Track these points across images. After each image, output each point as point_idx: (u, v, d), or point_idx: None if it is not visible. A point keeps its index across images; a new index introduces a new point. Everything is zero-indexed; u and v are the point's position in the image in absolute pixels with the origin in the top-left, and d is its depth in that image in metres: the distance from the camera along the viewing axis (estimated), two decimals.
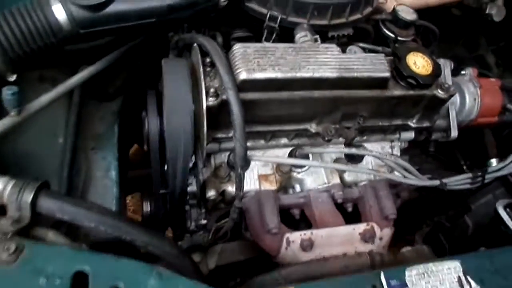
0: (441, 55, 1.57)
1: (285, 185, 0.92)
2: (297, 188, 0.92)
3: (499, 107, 0.95)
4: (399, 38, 0.96)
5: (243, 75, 0.70)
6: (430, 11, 1.12)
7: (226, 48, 0.93)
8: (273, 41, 0.87)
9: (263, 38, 0.87)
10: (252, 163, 0.88)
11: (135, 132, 1.19)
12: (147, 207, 1.08)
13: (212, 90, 0.71)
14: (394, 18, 0.96)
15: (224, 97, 0.72)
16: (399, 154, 0.97)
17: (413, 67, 0.81)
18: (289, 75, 0.72)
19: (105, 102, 1.09)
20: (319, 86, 0.75)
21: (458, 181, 0.92)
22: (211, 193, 0.85)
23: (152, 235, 0.67)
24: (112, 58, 0.93)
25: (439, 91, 0.84)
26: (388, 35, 0.97)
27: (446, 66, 0.93)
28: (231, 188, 0.86)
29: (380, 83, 0.79)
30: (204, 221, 0.93)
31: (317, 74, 0.73)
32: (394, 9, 0.97)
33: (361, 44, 0.97)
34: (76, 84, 0.85)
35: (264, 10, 0.84)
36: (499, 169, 0.94)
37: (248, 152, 0.76)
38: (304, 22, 0.85)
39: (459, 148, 1.29)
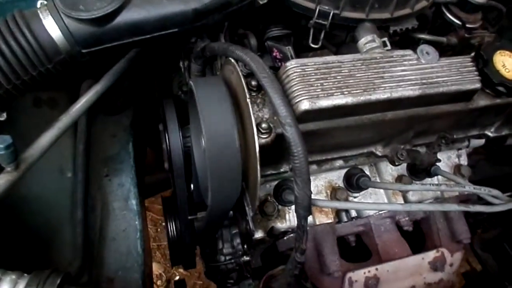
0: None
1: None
2: (353, 212, 0.79)
3: None
4: (467, 25, 0.79)
5: (304, 105, 0.54)
6: None
7: (260, 50, 0.77)
8: (308, 49, 0.70)
9: (310, 39, 0.70)
10: None
11: (148, 136, 1.04)
12: (172, 231, 0.95)
13: (264, 125, 0.55)
14: (461, 1, 0.79)
15: (278, 130, 0.56)
16: (466, 162, 0.83)
17: (503, 71, 0.65)
18: (362, 98, 0.56)
19: (114, 115, 0.93)
20: (395, 106, 0.60)
21: None
22: (259, 235, 0.71)
23: None
24: (119, 69, 0.76)
25: None
26: (454, 21, 0.80)
27: None
28: (280, 225, 0.73)
29: (468, 95, 0.63)
30: (247, 258, 0.80)
31: (395, 94, 0.57)
32: None
33: (423, 36, 0.80)
34: (81, 113, 0.68)
35: (311, 5, 0.66)
36: None
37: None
38: (362, 17, 0.67)
39: None
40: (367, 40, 0.62)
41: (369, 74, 0.57)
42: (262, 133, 0.55)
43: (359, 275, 0.73)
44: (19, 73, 0.57)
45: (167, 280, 1.58)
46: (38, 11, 0.58)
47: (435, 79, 0.59)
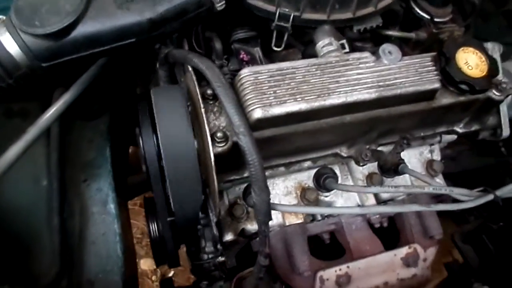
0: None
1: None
2: (341, 208, 0.80)
3: None
4: (435, 19, 0.78)
5: (257, 114, 0.54)
6: None
7: (227, 53, 0.77)
8: (285, 44, 0.70)
9: (273, 42, 0.70)
10: (273, 192, 0.75)
11: (130, 136, 1.05)
12: (154, 232, 0.97)
13: (219, 134, 0.56)
14: None
15: (235, 138, 0.57)
16: (439, 158, 0.83)
17: (465, 69, 0.64)
18: (316, 104, 0.56)
19: (91, 121, 0.94)
20: (353, 109, 0.60)
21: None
22: (229, 237, 0.72)
23: None
24: (88, 77, 0.76)
25: (495, 92, 0.68)
26: (423, 16, 0.79)
27: (495, 52, 0.75)
28: (250, 226, 0.74)
29: (428, 95, 0.63)
30: (222, 259, 0.81)
31: (351, 98, 0.57)
32: None
33: (389, 32, 0.79)
34: (49, 123, 0.69)
35: (271, 8, 0.66)
36: None
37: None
38: (324, 18, 0.67)
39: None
40: (324, 44, 0.62)
41: (324, 79, 0.57)
42: (218, 142, 0.56)
43: (330, 273, 0.74)
44: None
45: (162, 275, 1.61)
46: None
47: (392, 81, 0.59)
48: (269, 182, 0.74)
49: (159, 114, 0.56)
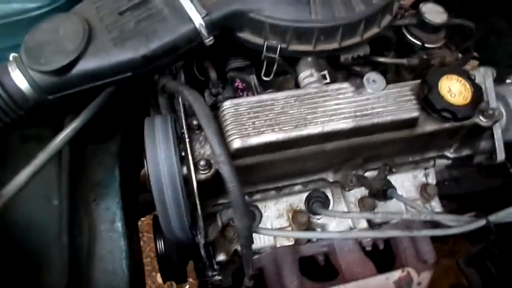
0: (476, 28, 1.37)
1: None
2: (330, 232, 0.81)
3: None
4: (426, 45, 0.80)
5: (236, 144, 0.58)
6: None
7: (223, 80, 0.82)
8: (275, 74, 0.74)
9: (263, 72, 0.74)
10: (265, 215, 0.78)
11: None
12: (161, 249, 1.02)
13: (202, 162, 0.60)
14: (420, 22, 0.79)
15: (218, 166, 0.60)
16: (434, 181, 0.84)
17: (448, 97, 0.66)
18: (293, 134, 0.59)
19: (103, 143, 1.00)
20: (332, 138, 0.62)
21: (509, 215, 0.77)
22: (221, 258, 0.76)
23: None
24: (100, 102, 0.82)
25: (481, 118, 0.69)
26: (414, 42, 0.81)
27: (488, 76, 0.76)
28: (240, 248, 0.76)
29: (408, 123, 0.64)
30: (219, 277, 0.85)
31: (328, 128, 0.60)
32: (418, 11, 0.79)
33: (381, 59, 0.81)
34: (58, 148, 0.76)
35: (259, 40, 0.70)
36: None
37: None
38: (310, 49, 0.70)
39: None
40: (305, 75, 0.65)
41: (302, 109, 0.60)
42: (201, 170, 0.60)
43: None
44: None
45: None
46: (8, 65, 0.66)
47: (370, 111, 0.61)
48: (261, 205, 0.77)
49: (148, 143, 0.61)
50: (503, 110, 0.78)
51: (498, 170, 1.17)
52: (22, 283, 0.78)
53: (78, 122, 0.80)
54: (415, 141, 0.69)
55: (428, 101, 0.66)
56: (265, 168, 0.65)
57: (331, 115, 0.60)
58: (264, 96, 0.61)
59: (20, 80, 0.65)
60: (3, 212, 0.76)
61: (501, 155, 0.78)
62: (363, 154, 0.68)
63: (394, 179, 0.81)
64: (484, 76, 0.76)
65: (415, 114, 0.62)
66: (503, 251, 0.88)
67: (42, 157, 0.74)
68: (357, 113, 0.61)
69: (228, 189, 0.57)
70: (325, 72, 0.66)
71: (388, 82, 0.85)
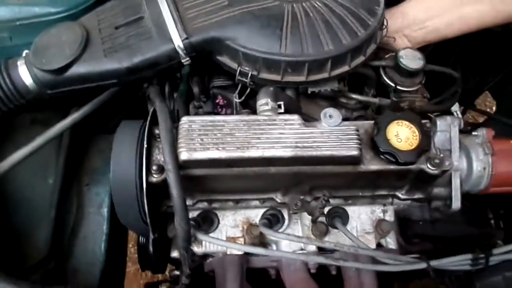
0: (492, 75, 1.36)
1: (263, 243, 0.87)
2: (274, 248, 0.87)
3: None
4: (398, 87, 0.83)
5: (183, 156, 0.66)
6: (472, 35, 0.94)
7: (207, 96, 0.90)
8: (246, 97, 0.81)
9: (235, 93, 0.81)
10: (222, 223, 0.85)
11: None
12: (141, 239, 1.11)
13: (154, 167, 0.68)
14: (396, 66, 0.83)
15: None
16: (392, 219, 0.86)
17: (393, 141, 0.69)
18: (235, 154, 0.66)
19: (109, 134, 1.12)
20: (274, 163, 0.68)
21: (453, 263, 0.79)
22: (175, 254, 0.83)
23: None
24: (102, 99, 0.93)
25: (429, 166, 0.72)
26: (388, 83, 0.85)
27: (454, 126, 0.78)
28: (196, 249, 0.84)
29: (349, 160, 0.69)
30: (177, 272, 0.93)
31: (267, 154, 0.66)
32: (396, 55, 0.83)
33: (354, 96, 0.86)
34: (55, 135, 0.87)
35: (234, 65, 0.77)
36: (510, 251, 0.79)
37: (196, 232, 0.73)
38: (278, 79, 0.76)
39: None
40: (261, 103, 0.72)
41: (248, 134, 0.67)
42: (153, 173, 0.68)
43: None
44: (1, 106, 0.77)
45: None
46: (17, 61, 0.78)
47: (310, 144, 0.66)
48: (220, 214, 0.84)
49: (114, 145, 0.70)
50: (465, 161, 0.80)
51: (483, 217, 1.17)
52: (8, 248, 0.90)
53: (78, 114, 0.92)
54: (361, 178, 0.73)
55: (374, 142, 0.70)
56: (214, 181, 0.72)
57: (274, 142, 0.66)
58: (217, 117, 0.68)
59: (25, 75, 0.77)
60: (1, 183, 0.89)
61: (456, 204, 0.80)
62: (308, 182, 0.73)
63: (352, 210, 0.86)
64: (450, 125, 0.79)
65: (354, 152, 0.67)
66: None
67: (39, 140, 0.86)
68: (298, 144, 0.66)
69: (171, 194, 0.65)
70: (281, 102, 0.72)
71: (366, 118, 0.90)
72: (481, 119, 1.56)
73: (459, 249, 1.00)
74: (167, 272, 1.19)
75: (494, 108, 1.76)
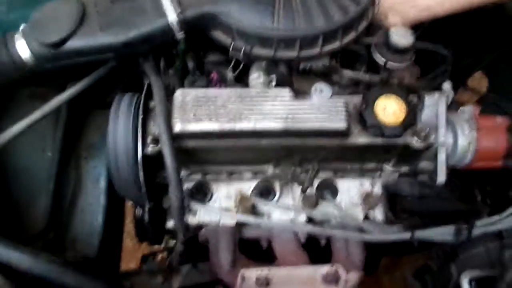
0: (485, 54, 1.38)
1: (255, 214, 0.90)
2: (266, 219, 0.90)
3: (502, 151, 0.82)
4: (388, 64, 0.85)
5: (177, 127, 0.68)
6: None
7: (201, 71, 0.92)
8: (240, 73, 0.83)
9: (229, 67, 0.83)
10: (215, 194, 0.88)
11: None
12: (138, 212, 1.14)
13: (150, 137, 0.70)
14: (386, 42, 0.85)
15: None
16: (380, 191, 0.89)
17: (380, 115, 0.72)
18: (227, 126, 0.68)
19: (103, 110, 1.14)
20: (265, 135, 0.71)
21: (437, 234, 0.83)
22: (170, 224, 0.86)
23: (84, 278, 0.72)
24: (99, 74, 0.95)
25: (415, 139, 0.74)
26: (378, 60, 0.86)
27: (441, 102, 0.80)
28: (190, 219, 0.87)
29: (337, 133, 0.71)
30: (173, 241, 0.96)
31: (259, 126, 0.68)
32: (386, 31, 0.85)
33: (344, 72, 0.88)
34: (51, 109, 0.89)
35: (228, 40, 0.79)
36: (491, 224, 0.82)
37: (190, 202, 0.76)
38: (271, 54, 0.78)
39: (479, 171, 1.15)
40: (254, 77, 0.74)
41: (241, 106, 0.69)
42: (148, 145, 0.71)
43: (252, 273, 0.85)
44: None
45: None
46: (15, 34, 0.79)
47: (301, 116, 0.69)
48: (213, 185, 0.87)
49: (111, 117, 0.73)
50: (451, 136, 0.83)
51: (470, 194, 1.20)
52: (8, 219, 0.93)
53: (75, 88, 0.93)
54: (349, 151, 0.76)
55: (362, 116, 0.72)
56: (208, 152, 0.75)
57: (265, 114, 0.68)
58: (211, 90, 0.70)
59: (23, 48, 0.78)
60: (1, 156, 0.92)
61: (441, 178, 0.83)
62: (298, 154, 0.76)
63: (342, 183, 0.89)
64: (438, 101, 0.81)
65: (341, 125, 0.69)
66: (440, 267, 0.93)
67: (37, 113, 0.88)
68: (289, 116, 0.68)
69: (165, 163, 0.68)
70: (273, 76, 0.74)
71: (359, 92, 0.92)
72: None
73: (447, 224, 1.04)
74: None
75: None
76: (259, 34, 0.76)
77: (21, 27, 0.81)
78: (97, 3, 0.79)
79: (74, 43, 0.77)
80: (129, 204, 1.83)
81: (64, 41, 0.76)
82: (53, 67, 0.81)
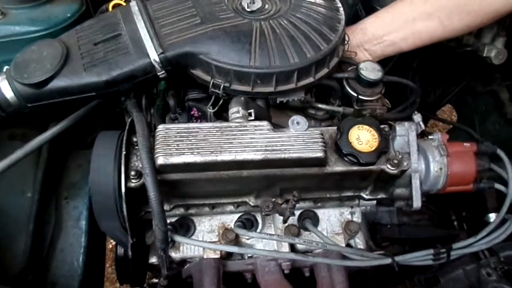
0: (452, 87, 1.46)
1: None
2: (249, 249, 0.91)
3: (472, 175, 0.86)
4: (360, 97, 0.90)
5: (160, 160, 0.70)
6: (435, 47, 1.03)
7: (182, 108, 0.95)
8: (219, 108, 0.86)
9: (209, 104, 0.86)
10: (198, 228, 0.88)
11: None
12: (119, 252, 1.13)
13: (133, 172, 0.72)
14: (357, 77, 0.90)
15: None
16: (359, 220, 0.92)
17: (355, 143, 0.76)
18: (209, 158, 0.70)
19: (84, 150, 1.14)
20: (245, 166, 0.73)
21: (417, 258, 0.85)
22: (153, 260, 0.86)
23: None
24: (80, 114, 0.96)
25: (388, 166, 0.78)
26: (351, 94, 0.92)
27: (412, 130, 0.85)
28: (174, 254, 0.87)
29: (315, 162, 0.74)
30: (155, 280, 0.95)
31: (239, 157, 0.71)
32: (357, 67, 0.90)
33: (319, 105, 0.92)
34: (33, 149, 0.90)
35: (208, 78, 0.83)
36: (468, 246, 0.85)
37: (173, 235, 0.77)
38: (249, 90, 0.82)
39: (454, 197, 1.20)
40: (233, 111, 0.77)
41: (221, 139, 0.71)
42: (132, 179, 0.72)
43: None
44: None
45: None
46: None
47: (279, 147, 0.72)
48: (196, 219, 0.88)
49: (93, 153, 0.74)
50: (423, 162, 0.87)
51: (447, 220, 1.23)
52: None
53: (56, 128, 0.94)
54: (327, 179, 0.79)
55: (338, 145, 0.76)
56: (190, 185, 0.76)
57: (245, 146, 0.71)
58: (192, 125, 0.73)
59: (6, 88, 0.80)
60: None
61: (417, 203, 0.86)
62: (278, 184, 0.78)
63: (322, 212, 0.91)
64: (408, 129, 0.86)
65: (319, 154, 0.72)
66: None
67: (18, 153, 0.89)
68: (268, 147, 0.71)
69: (149, 197, 0.69)
70: (252, 111, 0.78)
71: (333, 125, 0.97)
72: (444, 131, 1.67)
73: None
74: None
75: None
76: (237, 71, 0.80)
77: (4, 69, 0.83)
78: (81, 45, 0.83)
79: (58, 83, 0.79)
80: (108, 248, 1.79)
81: (48, 81, 0.79)
82: (36, 107, 0.82)
